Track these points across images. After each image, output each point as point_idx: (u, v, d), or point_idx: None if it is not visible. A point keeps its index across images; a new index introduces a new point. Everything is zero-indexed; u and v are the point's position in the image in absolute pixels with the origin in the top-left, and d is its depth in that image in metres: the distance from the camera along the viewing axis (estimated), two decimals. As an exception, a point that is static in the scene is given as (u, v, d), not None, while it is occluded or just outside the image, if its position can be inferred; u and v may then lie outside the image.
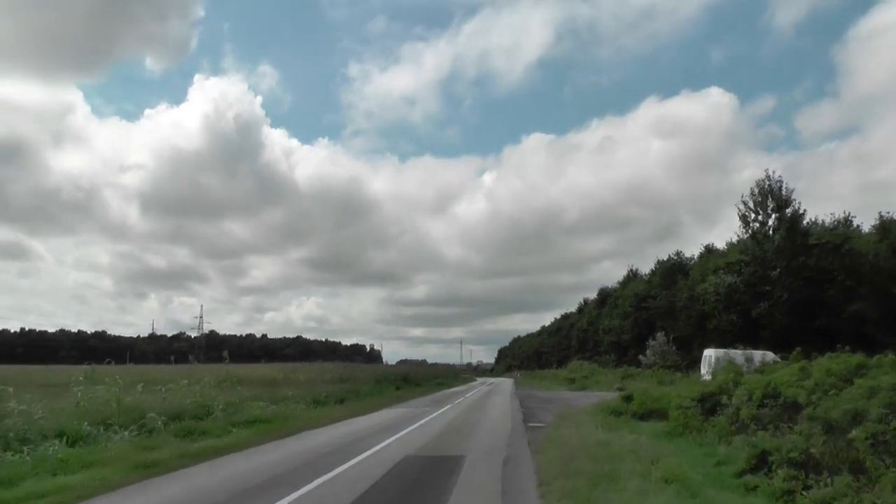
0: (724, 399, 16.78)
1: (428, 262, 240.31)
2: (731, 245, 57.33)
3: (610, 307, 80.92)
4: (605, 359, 71.62)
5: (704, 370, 34.59)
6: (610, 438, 13.20)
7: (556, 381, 59.32)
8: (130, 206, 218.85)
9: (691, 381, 37.75)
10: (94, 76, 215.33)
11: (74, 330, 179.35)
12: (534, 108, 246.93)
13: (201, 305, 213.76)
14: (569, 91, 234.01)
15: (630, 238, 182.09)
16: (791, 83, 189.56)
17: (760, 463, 11.44)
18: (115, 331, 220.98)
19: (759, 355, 30.37)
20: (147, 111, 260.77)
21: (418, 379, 57.98)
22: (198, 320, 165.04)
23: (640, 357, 51.55)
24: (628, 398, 26.91)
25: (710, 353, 34.51)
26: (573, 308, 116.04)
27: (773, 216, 45.71)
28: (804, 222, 45.76)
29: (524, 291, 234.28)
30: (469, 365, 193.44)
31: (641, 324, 65.56)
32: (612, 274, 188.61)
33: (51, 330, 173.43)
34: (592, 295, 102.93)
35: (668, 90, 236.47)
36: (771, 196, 46.17)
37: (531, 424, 18.44)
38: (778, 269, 43.21)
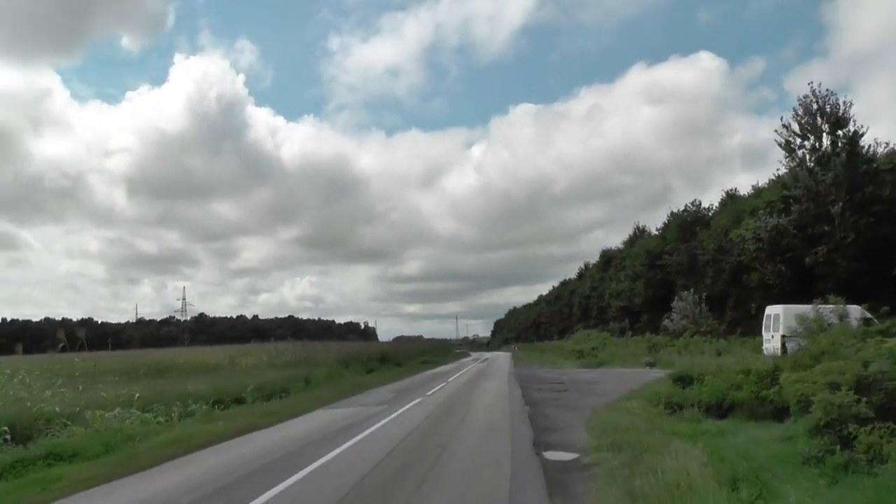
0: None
1: (419, 237, 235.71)
2: (761, 188, 48.54)
3: (615, 269, 72.35)
4: (613, 326, 62.79)
5: (769, 335, 25.61)
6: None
7: (561, 355, 50.40)
8: (117, 191, 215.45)
9: (749, 349, 28.91)
10: (70, 58, 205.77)
11: (69, 318, 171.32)
12: (520, 76, 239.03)
13: (184, 287, 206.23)
14: (555, 58, 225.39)
15: (621, 206, 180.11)
16: (780, 44, 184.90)
17: None
18: (110, 318, 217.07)
19: (855, 311, 21.38)
20: (129, 94, 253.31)
21: (399, 357, 49.11)
22: (181, 303, 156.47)
23: (666, 322, 42.38)
24: (682, 379, 18.23)
25: (776, 311, 25.46)
26: (567, 278, 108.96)
27: (828, 139, 36.50)
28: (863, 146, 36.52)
29: (517, 264, 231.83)
30: (465, 339, 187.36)
31: (656, 284, 56.74)
32: (603, 243, 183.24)
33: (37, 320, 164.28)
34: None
35: (657, 56, 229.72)
36: (821, 115, 36.94)
37: (552, 458, 9.20)
38: (840, 204, 34.08)
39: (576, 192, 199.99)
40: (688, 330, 37.59)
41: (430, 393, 21.26)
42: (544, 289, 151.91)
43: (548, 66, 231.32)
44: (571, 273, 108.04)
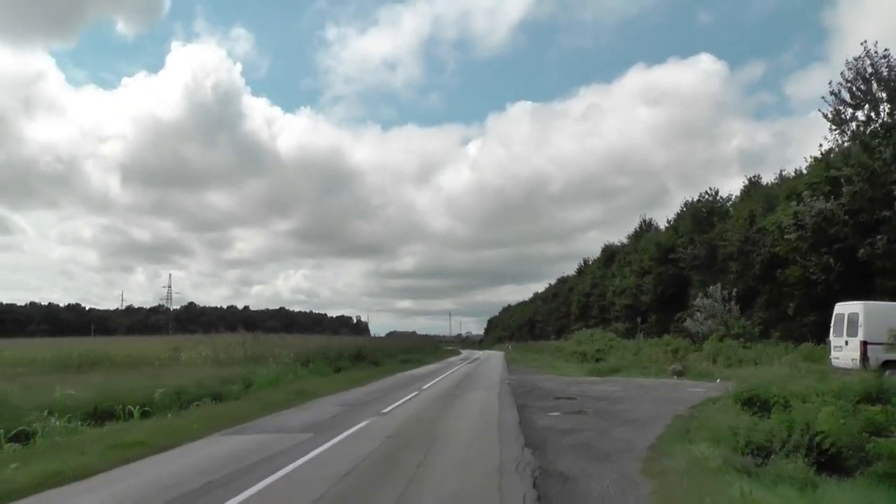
0: None
1: (413, 233, 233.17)
2: (785, 177, 42.80)
3: (619, 265, 66.59)
4: (618, 326, 56.94)
5: (840, 341, 19.64)
6: None
7: (561, 357, 44.44)
8: (112, 177, 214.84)
9: (801, 357, 23.06)
10: (65, 41, 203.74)
11: (58, 304, 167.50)
12: (518, 73, 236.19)
13: (170, 275, 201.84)
14: (553, 55, 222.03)
15: (617, 207, 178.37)
16: (780, 48, 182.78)
17: None
18: (102, 305, 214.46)
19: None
20: (125, 80, 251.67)
21: (378, 355, 43.16)
22: (167, 290, 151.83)
23: (687, 323, 36.29)
24: (752, 402, 12.67)
25: (851, 310, 19.51)
26: (565, 275, 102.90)
27: (886, 108, 30.58)
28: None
29: (511, 262, 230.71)
30: (459, 336, 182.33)
31: (668, 281, 50.98)
32: (599, 243, 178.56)
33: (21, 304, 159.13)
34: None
35: (656, 56, 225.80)
36: (877, 80, 31.00)
37: None
38: (905, 184, 28.23)
39: (571, 192, 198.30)
40: (715, 332, 31.59)
41: (387, 410, 15.26)
42: (539, 287, 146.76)
43: (546, 63, 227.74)
44: (567, 272, 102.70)
